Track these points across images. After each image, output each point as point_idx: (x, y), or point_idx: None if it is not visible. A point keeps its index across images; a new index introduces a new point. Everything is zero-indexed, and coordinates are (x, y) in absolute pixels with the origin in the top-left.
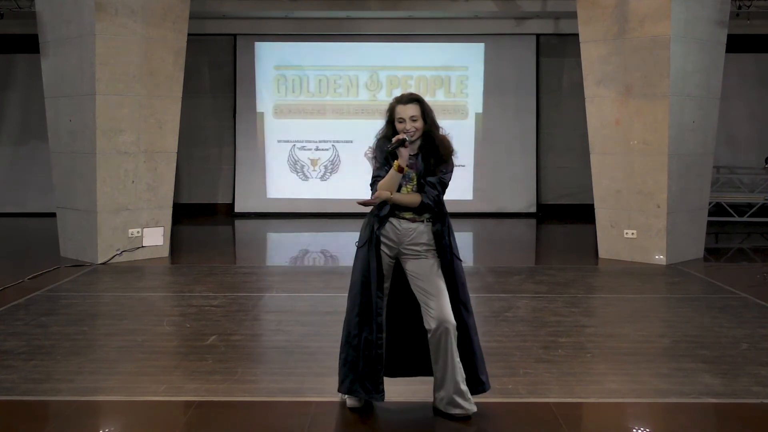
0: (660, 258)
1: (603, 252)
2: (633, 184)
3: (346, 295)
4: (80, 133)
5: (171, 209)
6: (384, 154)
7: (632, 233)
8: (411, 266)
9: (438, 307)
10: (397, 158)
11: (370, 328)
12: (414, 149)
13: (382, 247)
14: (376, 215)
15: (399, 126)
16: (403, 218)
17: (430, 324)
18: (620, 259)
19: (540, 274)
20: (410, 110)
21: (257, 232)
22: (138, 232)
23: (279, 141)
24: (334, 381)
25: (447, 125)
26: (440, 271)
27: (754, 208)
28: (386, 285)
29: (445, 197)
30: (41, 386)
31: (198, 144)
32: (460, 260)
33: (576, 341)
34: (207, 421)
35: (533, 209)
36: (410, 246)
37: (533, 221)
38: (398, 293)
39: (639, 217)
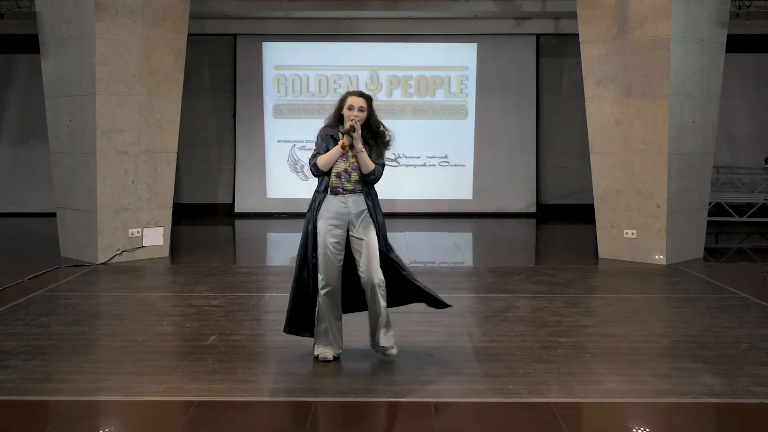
0: (660, 258)
1: (603, 252)
2: (633, 184)
3: None
4: (80, 133)
5: (171, 209)
6: (326, 139)
7: (632, 233)
8: (354, 230)
9: (366, 268)
10: (341, 139)
11: (306, 283)
12: (359, 137)
13: (334, 221)
14: (317, 191)
15: (346, 112)
16: (348, 192)
17: (361, 280)
18: (620, 259)
19: (540, 274)
20: (360, 102)
21: (257, 232)
22: (138, 232)
23: (279, 141)
24: (334, 381)
25: (447, 125)
26: (374, 234)
27: (754, 208)
28: (341, 257)
29: (444, 197)
30: (41, 386)
31: (198, 144)
32: (383, 215)
33: (576, 341)
34: (207, 421)
35: (533, 209)
36: (357, 212)
37: (533, 221)
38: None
39: (639, 217)
